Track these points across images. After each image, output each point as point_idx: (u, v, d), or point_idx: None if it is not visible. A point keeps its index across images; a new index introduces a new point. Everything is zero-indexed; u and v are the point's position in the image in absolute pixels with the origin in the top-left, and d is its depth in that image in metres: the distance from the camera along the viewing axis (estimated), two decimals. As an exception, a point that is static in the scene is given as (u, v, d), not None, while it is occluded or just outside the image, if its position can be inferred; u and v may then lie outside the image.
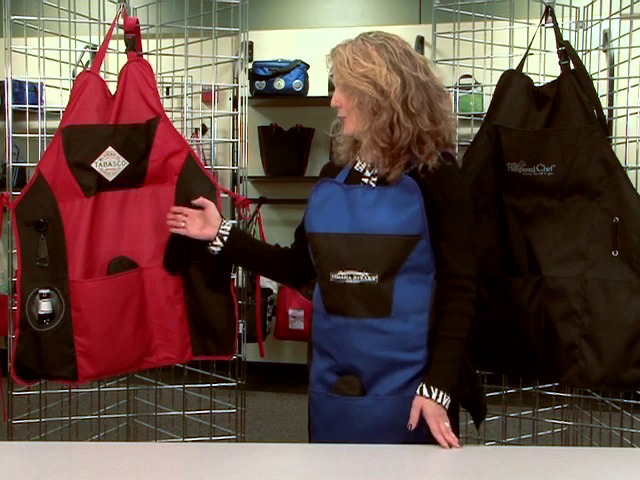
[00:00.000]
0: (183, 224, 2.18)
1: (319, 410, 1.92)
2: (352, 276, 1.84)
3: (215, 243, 2.12)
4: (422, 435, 1.77)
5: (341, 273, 1.85)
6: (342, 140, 1.97)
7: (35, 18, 2.70)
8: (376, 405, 1.85)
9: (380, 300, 1.83)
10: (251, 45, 4.54)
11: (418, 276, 1.84)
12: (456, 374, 1.84)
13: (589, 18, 3.00)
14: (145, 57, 2.61)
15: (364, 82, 1.80)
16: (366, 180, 1.90)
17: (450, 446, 1.74)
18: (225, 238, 2.11)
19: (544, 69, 2.86)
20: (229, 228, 2.12)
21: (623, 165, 2.31)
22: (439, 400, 1.77)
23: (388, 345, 1.84)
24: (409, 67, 1.81)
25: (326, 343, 1.90)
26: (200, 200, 2.20)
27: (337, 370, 1.89)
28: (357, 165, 1.94)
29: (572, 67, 2.34)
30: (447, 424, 1.77)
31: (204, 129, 4.39)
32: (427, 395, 1.78)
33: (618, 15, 2.67)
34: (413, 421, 1.78)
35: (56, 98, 2.89)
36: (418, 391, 1.79)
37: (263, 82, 4.46)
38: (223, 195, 2.54)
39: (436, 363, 1.82)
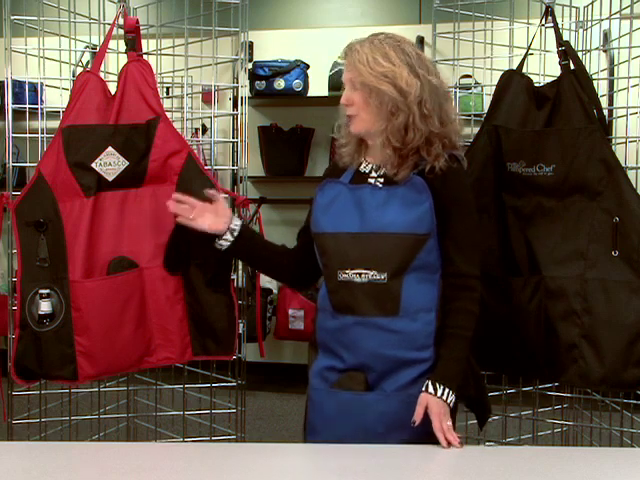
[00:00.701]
0: (192, 216, 2.11)
1: (319, 407, 1.92)
2: (360, 275, 1.84)
3: (225, 237, 2.08)
4: (427, 433, 1.78)
5: (349, 272, 1.85)
6: (345, 141, 1.97)
7: (35, 18, 2.70)
8: (381, 401, 1.85)
9: (389, 299, 1.84)
10: (251, 45, 4.54)
11: (425, 275, 1.86)
12: (462, 372, 1.85)
13: (589, 18, 3.00)
14: (145, 57, 2.61)
15: (385, 82, 1.82)
16: (372, 181, 1.91)
17: (449, 445, 1.74)
18: (235, 233, 2.08)
19: (544, 69, 2.86)
20: (239, 223, 2.10)
21: (623, 165, 2.31)
22: (444, 397, 1.78)
23: (397, 344, 1.85)
24: (424, 70, 1.85)
25: (332, 342, 1.90)
26: (212, 192, 2.15)
27: (343, 370, 1.89)
28: (362, 166, 1.95)
29: (572, 67, 2.34)
30: (450, 423, 1.78)
31: (204, 129, 4.39)
32: (432, 392, 1.79)
33: (618, 15, 2.67)
34: (417, 417, 1.78)
35: (56, 98, 2.89)
36: (424, 388, 1.80)
37: (263, 82, 4.46)
38: (223, 195, 2.54)
39: (442, 361, 1.83)
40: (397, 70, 1.82)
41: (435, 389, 1.79)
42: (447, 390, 1.79)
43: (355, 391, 1.86)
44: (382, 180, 1.89)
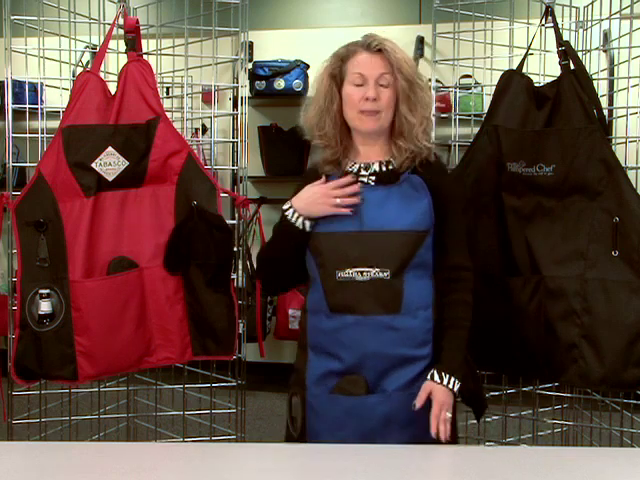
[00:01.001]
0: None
1: (320, 414, 1.89)
2: (362, 273, 1.84)
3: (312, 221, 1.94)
4: (429, 433, 1.79)
5: (349, 271, 1.85)
6: (327, 142, 1.93)
7: (35, 18, 2.70)
8: (384, 402, 1.85)
9: (391, 296, 1.85)
10: (251, 45, 4.54)
11: (423, 272, 1.87)
12: (464, 361, 1.88)
13: (589, 18, 2.99)
14: (145, 57, 2.62)
15: (421, 81, 1.88)
16: (365, 179, 1.90)
17: (438, 438, 1.76)
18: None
19: (544, 69, 2.85)
20: None
21: (623, 165, 2.31)
22: (450, 385, 1.80)
23: (399, 341, 1.85)
24: None
25: (329, 343, 1.88)
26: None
27: (342, 370, 1.87)
28: (348, 166, 1.93)
29: (572, 67, 2.34)
30: (449, 414, 1.79)
31: (204, 129, 4.39)
32: (438, 381, 1.80)
33: (618, 15, 2.67)
34: (419, 402, 1.79)
35: (56, 98, 2.89)
36: (429, 376, 1.82)
37: (263, 82, 4.45)
38: (223, 195, 2.55)
39: (446, 351, 1.85)
40: (419, 71, 1.91)
41: (441, 377, 1.80)
42: (453, 379, 1.81)
43: (356, 395, 1.85)
44: (374, 178, 1.90)
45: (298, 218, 1.90)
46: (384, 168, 1.91)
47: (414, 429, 1.81)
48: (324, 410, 1.89)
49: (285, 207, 1.93)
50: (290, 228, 1.91)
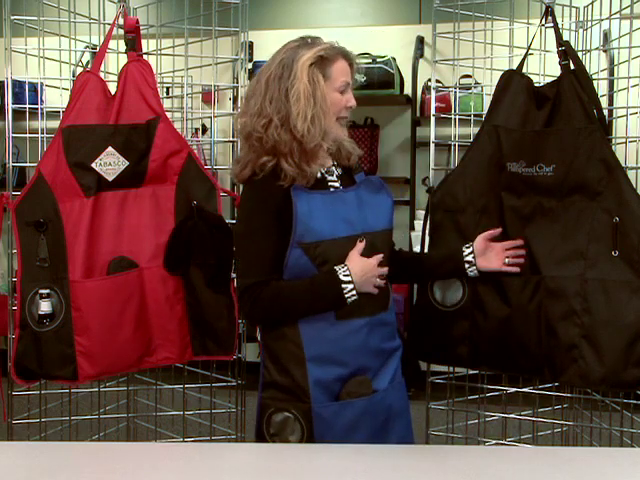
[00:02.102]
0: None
1: (331, 422, 1.84)
2: None
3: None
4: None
5: None
6: (284, 147, 1.83)
7: (35, 18, 2.70)
8: (386, 397, 1.91)
9: (386, 294, 1.92)
10: (251, 45, 4.54)
11: None
12: None
13: (589, 18, 2.99)
14: (145, 57, 2.62)
15: None
16: (336, 184, 1.91)
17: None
18: None
19: (544, 69, 2.86)
20: None
21: (623, 165, 2.31)
22: None
23: (389, 336, 1.94)
24: None
25: (334, 351, 1.84)
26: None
27: (347, 375, 1.86)
28: (316, 173, 1.89)
29: (572, 67, 2.34)
30: None
31: (204, 129, 4.39)
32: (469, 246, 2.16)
33: (618, 15, 2.67)
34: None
35: (56, 98, 2.89)
36: (468, 251, 2.15)
37: (263, 82, 4.45)
38: (223, 195, 2.55)
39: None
40: None
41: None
42: None
43: (367, 395, 1.87)
44: (339, 182, 1.92)
45: (353, 295, 1.83)
46: (339, 171, 1.94)
47: (407, 415, 1.96)
48: (334, 418, 1.84)
49: (345, 279, 1.81)
50: (339, 299, 1.82)
